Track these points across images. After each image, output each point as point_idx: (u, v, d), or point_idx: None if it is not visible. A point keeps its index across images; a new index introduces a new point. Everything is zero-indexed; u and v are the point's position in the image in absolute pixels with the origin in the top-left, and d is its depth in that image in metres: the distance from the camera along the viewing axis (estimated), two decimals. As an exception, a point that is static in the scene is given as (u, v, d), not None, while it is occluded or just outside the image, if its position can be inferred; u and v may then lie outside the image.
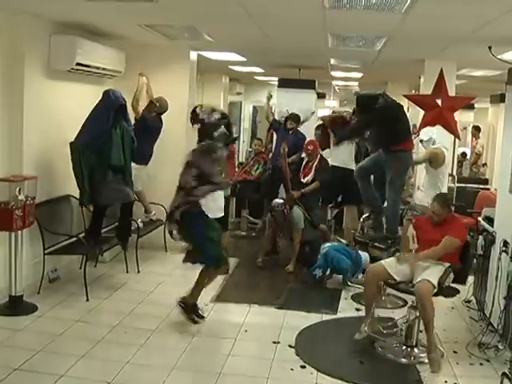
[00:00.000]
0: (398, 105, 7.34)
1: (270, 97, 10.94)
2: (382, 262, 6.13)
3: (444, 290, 5.74)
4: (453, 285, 6.07)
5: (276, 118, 10.94)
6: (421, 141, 8.53)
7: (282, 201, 8.63)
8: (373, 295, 6.09)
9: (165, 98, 8.42)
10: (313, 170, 9.07)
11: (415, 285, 5.63)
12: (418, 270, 5.80)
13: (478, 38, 6.36)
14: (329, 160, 9.41)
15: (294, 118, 10.22)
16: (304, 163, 9.29)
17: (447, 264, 5.76)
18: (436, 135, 8.36)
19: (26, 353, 5.26)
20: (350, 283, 7.84)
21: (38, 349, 5.36)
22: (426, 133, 8.38)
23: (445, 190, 8.28)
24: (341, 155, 9.33)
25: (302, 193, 8.85)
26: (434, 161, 8.22)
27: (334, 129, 9.45)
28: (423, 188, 8.54)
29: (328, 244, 8.22)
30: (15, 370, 4.93)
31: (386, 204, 7.36)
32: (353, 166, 8.95)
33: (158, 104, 8.35)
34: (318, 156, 9.18)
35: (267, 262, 8.67)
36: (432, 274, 5.65)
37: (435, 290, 5.61)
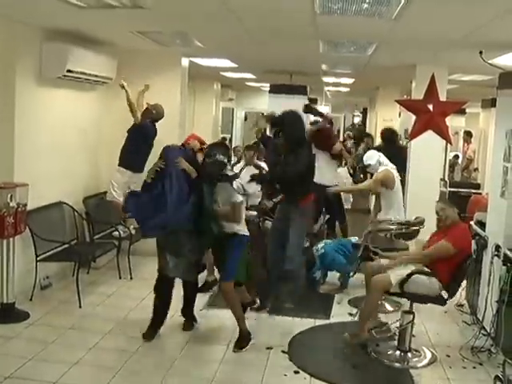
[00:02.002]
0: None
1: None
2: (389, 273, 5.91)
3: (407, 294, 5.78)
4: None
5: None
6: (367, 165, 8.33)
7: (255, 213, 7.98)
8: (377, 305, 6.18)
9: (160, 105, 8.41)
10: None
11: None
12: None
13: (468, 43, 6.38)
14: None
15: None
16: None
17: (416, 269, 5.78)
18: (381, 157, 8.08)
19: (17, 360, 5.23)
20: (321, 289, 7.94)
21: (30, 356, 5.34)
22: (371, 157, 8.07)
23: (402, 207, 7.90)
24: (323, 173, 9.07)
25: (275, 203, 8.02)
26: (387, 183, 7.77)
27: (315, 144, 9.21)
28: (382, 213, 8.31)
29: (321, 244, 8.17)
30: (6, 378, 4.91)
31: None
32: (334, 183, 8.88)
33: (154, 111, 8.33)
34: None
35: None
36: (400, 272, 5.76)
37: (394, 289, 5.77)
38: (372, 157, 8.18)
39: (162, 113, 8.39)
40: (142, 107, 8.39)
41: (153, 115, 8.33)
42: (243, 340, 5.94)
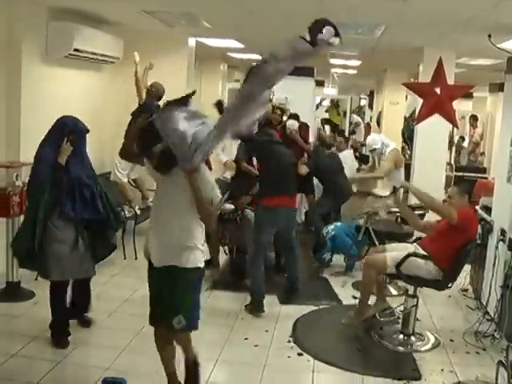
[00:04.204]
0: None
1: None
2: (385, 254, 5.95)
3: (402, 275, 5.72)
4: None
5: None
6: (373, 150, 8.58)
7: (232, 206, 7.33)
8: (371, 284, 6.06)
9: (158, 82, 8.42)
10: None
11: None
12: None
13: (477, 26, 6.33)
14: None
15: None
16: None
17: (412, 249, 5.80)
18: (383, 139, 8.68)
19: (23, 339, 5.27)
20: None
21: (36, 335, 5.37)
22: (374, 140, 8.66)
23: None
24: None
25: (253, 197, 7.48)
26: (398, 161, 8.44)
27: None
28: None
29: (332, 227, 8.22)
30: (12, 356, 4.95)
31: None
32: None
33: (153, 89, 8.35)
34: None
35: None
36: (397, 254, 5.72)
37: (390, 270, 5.71)
38: (376, 141, 8.38)
39: (161, 89, 8.40)
40: (146, 87, 8.40)
41: (152, 93, 8.35)
42: None
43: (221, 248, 7.59)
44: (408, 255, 5.62)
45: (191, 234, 4.04)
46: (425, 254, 5.69)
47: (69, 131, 5.13)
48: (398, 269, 5.63)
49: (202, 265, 4.12)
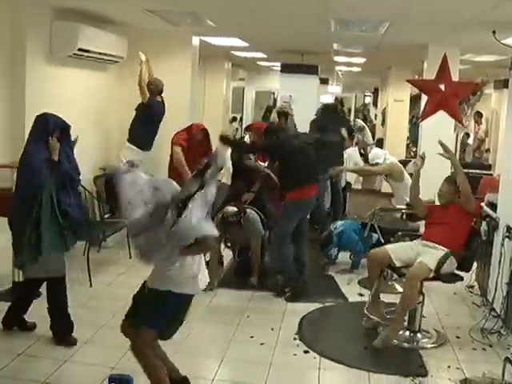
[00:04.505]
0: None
1: None
2: (386, 246, 6.13)
3: (443, 276, 5.67)
4: (457, 272, 5.96)
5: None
6: (376, 164, 8.66)
7: (235, 208, 7.06)
8: (375, 278, 6.07)
9: (157, 78, 8.46)
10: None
11: (411, 266, 5.64)
12: (414, 253, 5.81)
13: (481, 22, 6.32)
14: None
15: None
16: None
17: (447, 249, 5.71)
18: (386, 154, 8.74)
19: (29, 339, 5.28)
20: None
21: (41, 334, 5.37)
22: (377, 154, 8.72)
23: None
24: None
25: (255, 193, 7.62)
26: (392, 174, 8.35)
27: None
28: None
29: (341, 222, 8.23)
30: (19, 355, 4.97)
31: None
32: None
33: (152, 86, 8.40)
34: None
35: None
36: (431, 257, 5.63)
37: (432, 275, 5.60)
38: (379, 155, 8.52)
39: (160, 84, 8.48)
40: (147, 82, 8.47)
41: (152, 89, 8.40)
42: None
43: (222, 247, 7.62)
44: (446, 256, 5.62)
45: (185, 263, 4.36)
46: (444, 249, 5.70)
47: (52, 128, 5.10)
48: (439, 272, 5.60)
49: (177, 290, 4.34)
